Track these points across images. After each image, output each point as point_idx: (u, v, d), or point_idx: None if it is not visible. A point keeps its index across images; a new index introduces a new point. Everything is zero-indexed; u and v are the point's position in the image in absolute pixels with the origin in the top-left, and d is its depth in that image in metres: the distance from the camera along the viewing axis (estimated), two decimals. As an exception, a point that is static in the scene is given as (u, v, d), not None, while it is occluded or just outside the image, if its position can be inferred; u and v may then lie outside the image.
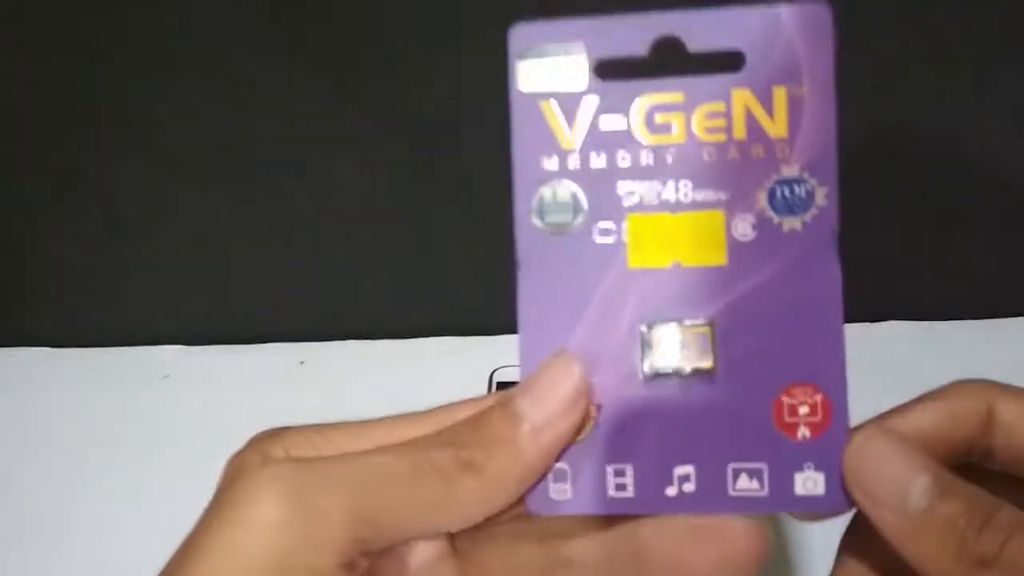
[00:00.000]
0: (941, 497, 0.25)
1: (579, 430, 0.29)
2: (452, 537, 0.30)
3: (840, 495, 0.28)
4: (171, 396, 0.53)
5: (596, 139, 0.30)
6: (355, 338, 0.55)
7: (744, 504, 0.29)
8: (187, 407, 0.53)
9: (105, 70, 0.52)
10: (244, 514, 0.25)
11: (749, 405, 0.29)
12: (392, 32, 0.51)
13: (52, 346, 0.57)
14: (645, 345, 0.29)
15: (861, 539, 0.28)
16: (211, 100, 0.53)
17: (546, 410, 0.28)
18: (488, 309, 0.48)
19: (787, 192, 0.29)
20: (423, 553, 0.29)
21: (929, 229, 0.50)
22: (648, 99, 0.30)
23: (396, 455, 0.27)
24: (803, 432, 0.28)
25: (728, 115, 0.29)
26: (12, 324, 0.58)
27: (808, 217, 0.29)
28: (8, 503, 0.49)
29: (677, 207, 0.30)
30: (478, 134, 0.50)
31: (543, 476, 0.29)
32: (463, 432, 0.28)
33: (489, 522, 0.29)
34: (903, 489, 0.26)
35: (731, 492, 0.29)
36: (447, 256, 0.55)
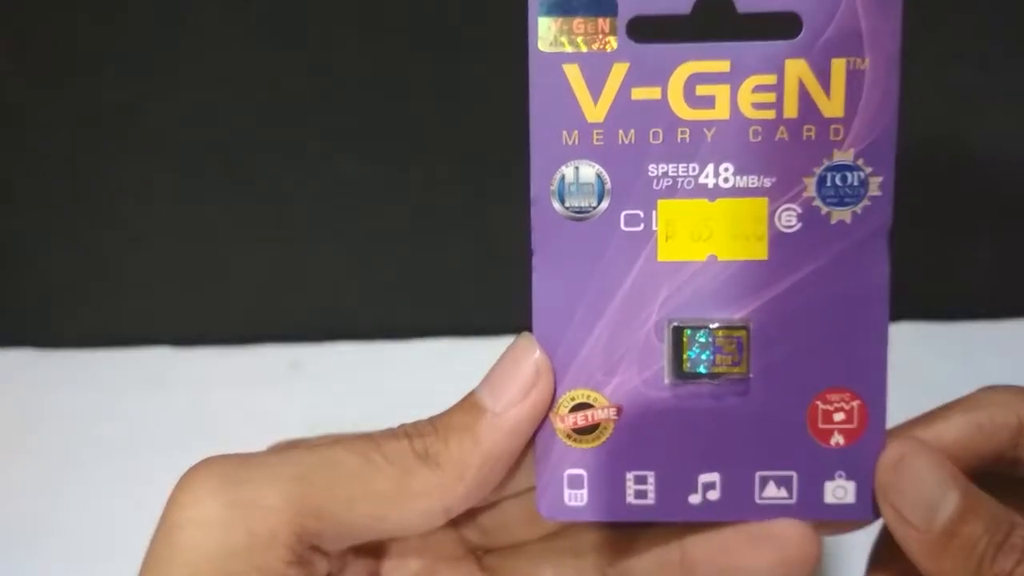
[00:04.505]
0: (965, 517, 0.24)
1: (545, 411, 0.27)
2: (480, 555, 0.28)
3: (870, 505, 0.27)
4: (163, 398, 0.51)
5: (626, 111, 0.26)
6: (350, 339, 0.53)
7: (771, 512, 0.27)
8: (179, 409, 0.50)
9: (103, 70, 0.49)
10: (183, 514, 0.24)
11: (782, 411, 0.27)
12: (391, 30, 0.48)
13: (43, 347, 0.54)
14: (673, 347, 0.27)
15: (891, 554, 0.27)
16: (205, 100, 0.50)
17: (504, 394, 0.26)
18: (488, 309, 0.46)
19: (838, 180, 0.26)
20: (450, 572, 0.28)
21: (941, 229, 0.50)
22: (689, 67, 0.26)
23: (345, 447, 0.25)
24: (836, 439, 0.27)
25: (779, 89, 0.26)
26: (3, 324, 0.55)
27: (859, 208, 0.26)
28: (1, 504, 0.47)
29: (716, 193, 0.26)
30: (479, 131, 0.48)
31: (521, 455, 0.27)
32: (421, 425, 0.26)
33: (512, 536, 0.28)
34: (932, 507, 0.25)
35: (757, 500, 0.27)
36: (446, 256, 0.52)
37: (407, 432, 0.26)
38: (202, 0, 0.47)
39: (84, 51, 0.49)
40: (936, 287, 0.48)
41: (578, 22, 0.26)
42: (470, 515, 0.27)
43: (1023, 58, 0.48)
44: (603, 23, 0.26)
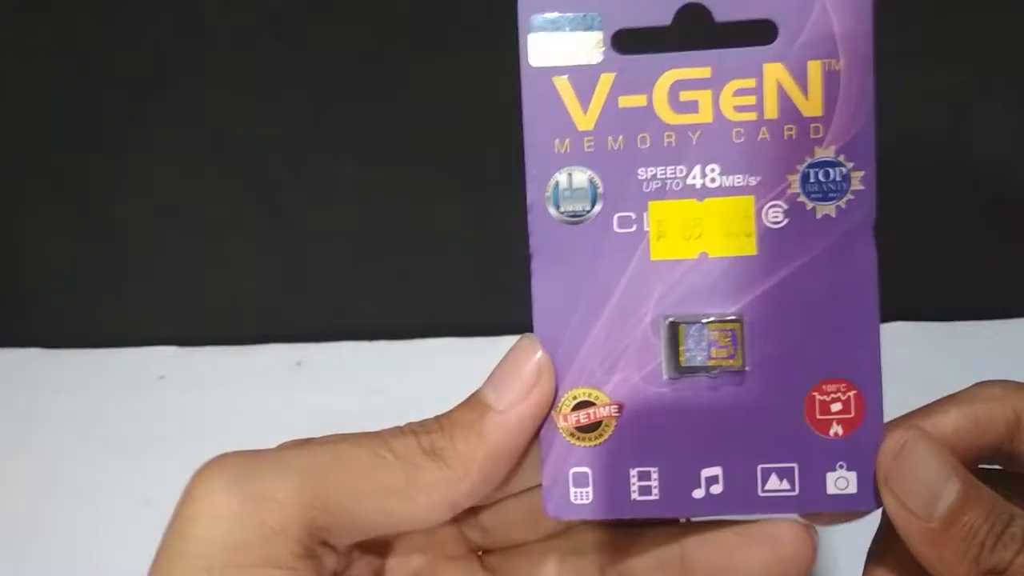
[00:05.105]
0: (965, 506, 0.25)
1: (547, 409, 0.27)
2: (482, 555, 0.29)
3: (872, 494, 0.27)
4: (166, 397, 0.52)
5: (614, 119, 0.27)
6: (353, 339, 0.54)
7: (774, 505, 0.27)
8: (183, 408, 0.51)
9: (105, 70, 0.51)
10: (196, 507, 0.24)
11: (779, 403, 0.27)
12: (392, 30, 0.49)
13: (46, 347, 0.56)
14: (670, 342, 0.27)
15: (890, 546, 0.28)
16: (205, 100, 0.51)
17: (508, 392, 0.27)
18: (488, 309, 0.47)
19: (821, 176, 0.27)
20: (452, 571, 0.28)
21: (933, 229, 0.50)
22: (672, 75, 0.27)
23: (354, 443, 0.26)
24: (835, 429, 0.27)
25: (759, 92, 0.27)
26: (6, 324, 0.56)
27: (843, 203, 0.27)
28: (1, 504, 0.48)
29: (704, 193, 0.27)
30: (479, 132, 0.49)
31: (524, 453, 0.27)
32: (427, 423, 0.27)
33: (516, 535, 0.28)
34: (933, 495, 0.25)
35: (760, 493, 0.27)
36: (447, 256, 0.53)
37: (414, 429, 0.27)
38: (203, 1, 0.48)
39: (84, 51, 0.50)
40: (933, 287, 0.49)
41: (566, 38, 0.27)
42: (472, 514, 0.28)
43: (1020, 58, 0.48)
44: (589, 38, 0.27)
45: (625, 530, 0.29)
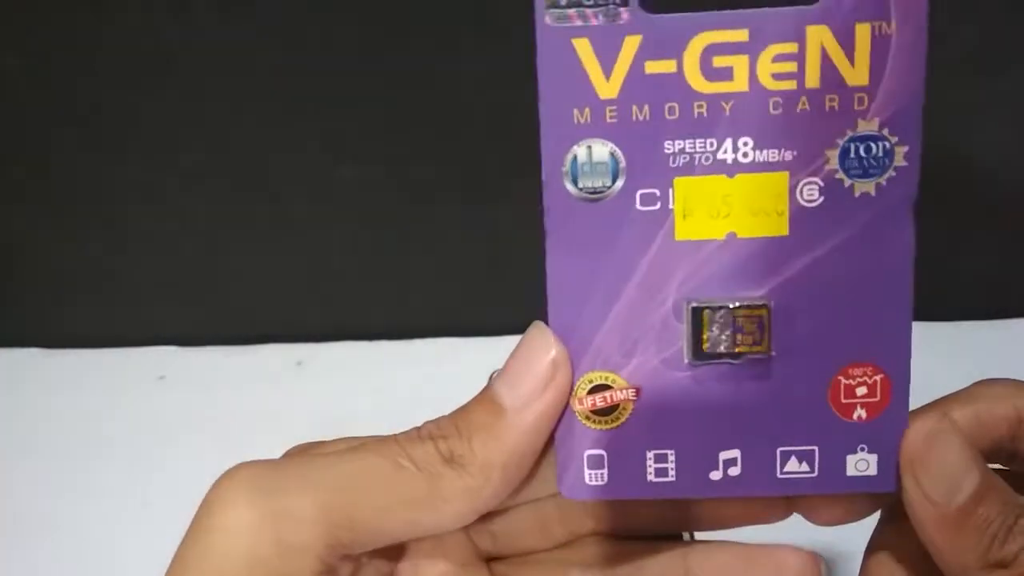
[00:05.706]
0: (982, 498, 0.24)
1: (564, 403, 0.26)
2: (490, 562, 0.28)
3: (892, 477, 0.27)
4: (167, 397, 0.51)
5: (640, 86, 0.25)
6: (353, 338, 0.53)
7: (792, 486, 0.27)
8: (183, 408, 0.50)
9: (104, 70, 0.49)
10: (216, 520, 0.24)
11: (803, 387, 0.26)
12: (392, 30, 0.47)
13: (47, 346, 0.55)
14: (693, 328, 0.26)
15: (889, 543, 0.28)
16: (207, 100, 0.49)
17: (523, 390, 0.25)
18: (489, 309, 0.46)
19: (862, 151, 0.25)
20: None
21: (932, 229, 0.48)
22: (705, 38, 0.24)
23: (375, 452, 0.25)
24: (859, 413, 0.26)
25: (801, 58, 0.24)
26: (7, 324, 0.55)
27: (884, 180, 0.25)
28: (2, 504, 0.47)
29: (735, 169, 0.25)
30: (479, 132, 0.47)
31: (536, 461, 0.27)
32: (443, 425, 0.26)
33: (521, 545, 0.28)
34: (955, 484, 0.25)
35: (779, 475, 0.27)
36: (447, 256, 0.52)
37: (431, 434, 0.25)
38: (202, 2, 0.47)
39: (84, 51, 0.48)
40: (935, 287, 0.49)
41: (587, -7, 0.24)
42: (482, 520, 0.27)
43: (1020, 58, 0.47)
44: (613, -7, 0.24)
45: (631, 543, 0.29)
